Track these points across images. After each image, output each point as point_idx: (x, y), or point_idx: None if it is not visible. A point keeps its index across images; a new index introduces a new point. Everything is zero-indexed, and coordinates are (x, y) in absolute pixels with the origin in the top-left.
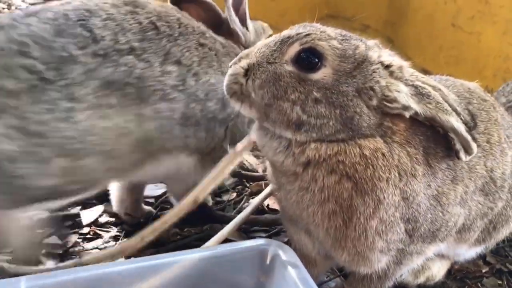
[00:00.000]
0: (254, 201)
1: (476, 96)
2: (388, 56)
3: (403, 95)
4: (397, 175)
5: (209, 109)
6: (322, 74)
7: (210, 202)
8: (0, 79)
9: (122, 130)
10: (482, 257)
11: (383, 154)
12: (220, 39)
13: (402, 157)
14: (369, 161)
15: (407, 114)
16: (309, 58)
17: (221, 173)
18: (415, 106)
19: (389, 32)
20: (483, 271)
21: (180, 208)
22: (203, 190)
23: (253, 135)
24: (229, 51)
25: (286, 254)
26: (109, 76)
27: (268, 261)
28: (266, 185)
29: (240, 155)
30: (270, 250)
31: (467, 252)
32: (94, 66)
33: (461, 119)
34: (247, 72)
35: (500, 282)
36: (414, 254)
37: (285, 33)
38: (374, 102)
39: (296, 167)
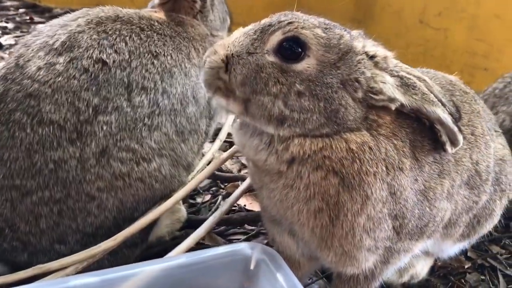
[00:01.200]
0: (228, 201)
1: (458, 89)
2: (372, 46)
3: (389, 86)
4: (384, 169)
5: (190, 114)
6: (306, 64)
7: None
8: None
9: None
10: (463, 252)
11: (370, 148)
12: (165, 27)
13: (389, 150)
14: (356, 155)
15: (392, 106)
16: (292, 47)
17: (205, 175)
18: (401, 97)
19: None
20: (466, 266)
21: (158, 211)
22: (190, 187)
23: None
24: (178, 34)
25: (271, 258)
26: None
27: (252, 266)
28: None
29: (225, 161)
30: (254, 254)
31: (451, 248)
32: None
33: (447, 110)
34: (227, 65)
35: (483, 277)
36: (401, 252)
37: (266, 21)
38: (360, 94)
39: (280, 165)
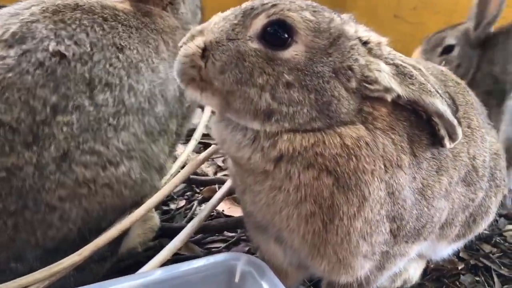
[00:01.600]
0: (206, 207)
1: (450, 79)
2: (365, 31)
3: (385, 75)
4: (382, 166)
5: (159, 113)
6: (293, 51)
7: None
8: None
9: None
10: (456, 253)
11: (366, 143)
12: (131, 18)
13: (387, 146)
14: (352, 151)
15: (388, 97)
16: (278, 32)
17: (180, 180)
18: (397, 87)
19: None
20: (459, 268)
21: (128, 221)
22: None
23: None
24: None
25: (258, 270)
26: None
27: (237, 279)
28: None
29: (202, 163)
30: (238, 265)
31: (446, 249)
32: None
33: (445, 101)
34: (204, 52)
35: (477, 278)
36: (397, 256)
37: (247, 4)
38: (353, 83)
39: (266, 164)
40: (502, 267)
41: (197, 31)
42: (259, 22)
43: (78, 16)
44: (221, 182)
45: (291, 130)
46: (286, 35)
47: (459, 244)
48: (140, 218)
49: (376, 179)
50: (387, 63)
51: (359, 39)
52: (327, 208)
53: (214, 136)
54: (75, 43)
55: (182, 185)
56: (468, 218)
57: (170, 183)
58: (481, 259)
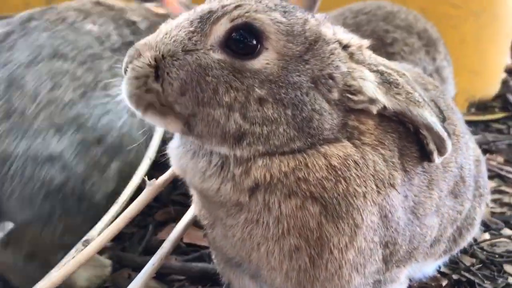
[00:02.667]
0: (170, 237)
1: (428, 81)
2: (343, 33)
3: (369, 84)
4: (374, 187)
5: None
6: (264, 60)
7: None
8: None
9: None
10: (437, 268)
11: (355, 162)
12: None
13: (378, 163)
14: (340, 173)
15: (374, 109)
16: (245, 38)
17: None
18: (382, 98)
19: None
20: (443, 284)
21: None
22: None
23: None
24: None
25: None
26: None
27: None
28: (176, 212)
29: (161, 188)
30: None
31: (431, 266)
32: None
33: (434, 111)
34: (158, 71)
35: None
36: (388, 283)
37: (204, 7)
38: (335, 94)
39: (240, 195)
40: (485, 281)
41: (143, 44)
42: (221, 28)
43: None
44: (177, 203)
45: (266, 154)
46: (255, 41)
47: (445, 259)
48: (81, 265)
49: (368, 202)
50: (371, 70)
51: (339, 42)
52: (314, 240)
53: (173, 164)
54: None
55: None
56: (454, 231)
57: (121, 217)
58: (462, 272)
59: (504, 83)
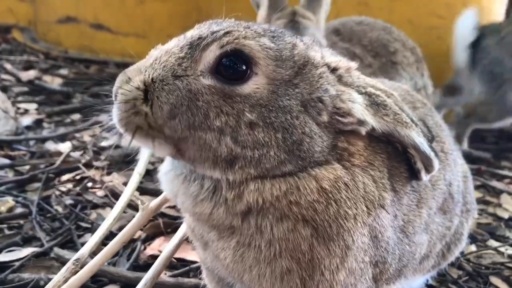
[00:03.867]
0: (162, 255)
1: (417, 99)
2: (331, 55)
3: (358, 106)
4: (364, 208)
5: None
6: (254, 85)
7: None
8: None
9: None
10: (426, 281)
11: (345, 184)
12: None
13: (368, 185)
14: (331, 195)
15: (363, 131)
16: (235, 64)
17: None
18: (371, 120)
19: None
20: None
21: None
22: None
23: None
24: None
25: None
26: None
27: None
28: (166, 225)
29: (154, 213)
30: None
31: (419, 280)
32: None
33: (421, 131)
34: (147, 94)
35: None
36: None
37: (193, 33)
38: (325, 117)
39: (232, 219)
40: None
41: (133, 70)
42: (211, 54)
43: None
44: (165, 216)
45: (258, 177)
46: (244, 67)
47: (433, 273)
48: None
49: (359, 224)
50: (359, 92)
51: (327, 65)
52: (305, 263)
53: (165, 189)
54: None
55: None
56: (443, 247)
57: (114, 241)
58: (450, 285)
59: None
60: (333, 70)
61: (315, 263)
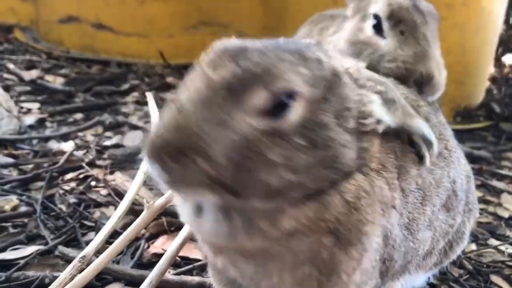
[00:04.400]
0: (167, 253)
1: (421, 98)
2: (343, 59)
3: (377, 107)
4: (380, 211)
5: None
6: (297, 112)
7: None
8: None
9: None
10: (427, 279)
11: (365, 191)
12: None
13: (383, 188)
14: (352, 205)
15: (380, 128)
16: (282, 102)
17: (135, 232)
18: (387, 117)
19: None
20: None
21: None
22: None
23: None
24: None
25: None
26: None
27: None
28: (169, 223)
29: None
30: None
31: (421, 278)
32: None
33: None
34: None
35: None
36: None
37: (222, 74)
38: (351, 123)
39: (263, 243)
40: None
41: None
42: (259, 97)
43: None
44: (169, 214)
45: (293, 202)
46: (289, 101)
47: (435, 272)
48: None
49: (376, 227)
50: (373, 92)
51: (346, 71)
52: (325, 267)
53: (185, 221)
54: None
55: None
56: (446, 244)
57: (119, 240)
58: (451, 283)
59: (488, 91)
60: (351, 74)
61: (334, 266)
